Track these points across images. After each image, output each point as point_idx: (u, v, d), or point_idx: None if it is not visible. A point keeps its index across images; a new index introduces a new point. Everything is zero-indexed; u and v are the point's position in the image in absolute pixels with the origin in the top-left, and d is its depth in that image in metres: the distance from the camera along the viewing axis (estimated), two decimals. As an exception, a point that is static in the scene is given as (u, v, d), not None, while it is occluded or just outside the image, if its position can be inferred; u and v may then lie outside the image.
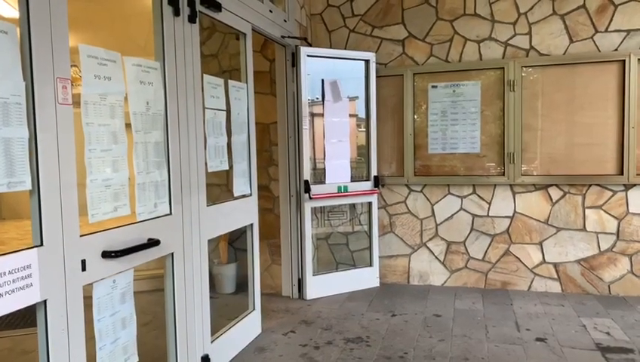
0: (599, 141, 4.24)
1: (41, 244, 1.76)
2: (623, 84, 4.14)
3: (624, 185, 4.22)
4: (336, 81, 4.55)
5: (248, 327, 3.53)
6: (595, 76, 4.22)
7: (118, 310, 2.18)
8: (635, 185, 4.20)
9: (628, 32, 4.15)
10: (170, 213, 2.56)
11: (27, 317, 3.79)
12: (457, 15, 4.53)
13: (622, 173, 4.17)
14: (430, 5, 4.58)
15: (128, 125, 2.22)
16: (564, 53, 4.29)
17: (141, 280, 4.06)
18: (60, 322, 1.84)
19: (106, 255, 2.05)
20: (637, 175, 4.15)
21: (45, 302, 1.78)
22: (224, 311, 3.92)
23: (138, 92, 2.32)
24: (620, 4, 4.15)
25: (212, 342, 3.01)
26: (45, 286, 1.77)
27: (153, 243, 2.32)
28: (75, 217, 1.90)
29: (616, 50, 4.17)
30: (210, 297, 2.98)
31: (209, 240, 2.96)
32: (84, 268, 1.94)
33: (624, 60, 4.12)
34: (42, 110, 1.75)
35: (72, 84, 1.92)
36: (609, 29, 4.19)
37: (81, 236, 1.93)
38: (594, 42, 4.23)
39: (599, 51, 4.21)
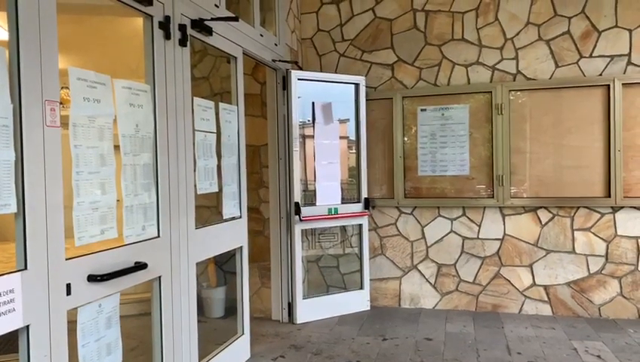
0: (587, 164, 4.29)
1: (25, 268, 1.73)
2: (608, 108, 4.21)
3: (612, 207, 4.26)
4: (329, 103, 4.59)
5: (237, 352, 3.47)
6: (581, 100, 4.30)
7: (104, 335, 2.13)
8: (622, 207, 4.24)
9: (612, 57, 4.24)
10: (159, 236, 2.54)
11: (9, 343, 3.70)
12: (445, 40, 4.61)
13: (609, 196, 4.21)
14: (419, 30, 4.66)
15: (117, 147, 2.21)
16: (551, 78, 4.37)
17: (128, 304, 3.99)
18: (43, 348, 1.80)
19: (92, 279, 2.01)
20: (624, 197, 4.19)
21: (28, 327, 1.74)
22: (212, 336, 3.85)
23: (128, 114, 2.32)
24: (603, 31, 4.25)
25: (200, 367, 2.95)
26: (28, 311, 1.73)
27: (140, 266, 2.29)
28: (60, 240, 1.87)
29: (600, 75, 4.26)
30: (199, 321, 2.94)
31: (197, 263, 2.92)
32: (69, 292, 1.91)
33: (608, 85, 4.20)
34: (30, 132, 1.74)
35: (62, 106, 1.92)
36: (593, 55, 4.28)
37: (66, 259, 1.90)
38: (579, 67, 4.31)
39: (584, 76, 4.30)
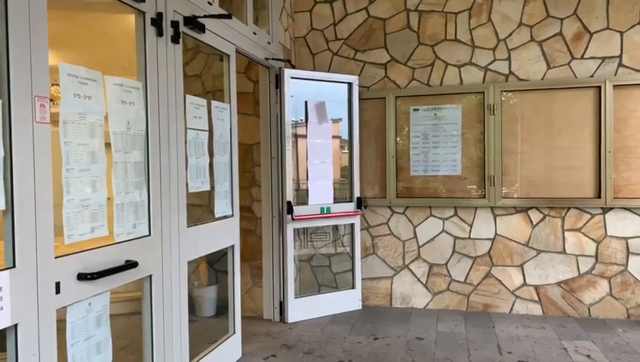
0: (577, 165, 4.32)
1: (14, 266, 1.71)
2: (599, 109, 4.24)
3: (602, 208, 4.29)
4: (323, 102, 4.58)
5: (228, 351, 3.46)
6: (572, 101, 4.32)
7: (93, 334, 2.11)
8: (612, 208, 4.27)
9: (603, 59, 4.27)
10: (150, 234, 2.52)
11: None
12: (438, 40, 4.62)
13: (599, 197, 4.24)
14: (412, 30, 4.67)
15: (108, 145, 2.19)
16: (542, 79, 4.40)
17: (118, 303, 3.96)
18: (31, 347, 1.78)
19: (82, 277, 1.99)
20: (614, 198, 4.22)
21: (16, 326, 1.72)
22: (204, 335, 3.84)
23: (119, 111, 2.30)
24: (595, 33, 4.28)
25: (190, 366, 2.94)
26: (17, 310, 1.71)
27: (131, 265, 2.27)
28: (50, 238, 1.85)
29: (591, 76, 4.29)
30: (190, 320, 2.92)
31: (189, 262, 2.91)
32: (58, 291, 1.89)
33: (600, 86, 4.22)
34: (19, 129, 1.72)
35: (52, 103, 1.89)
36: (585, 56, 4.31)
37: (56, 257, 1.88)
38: (571, 68, 4.34)
39: (576, 77, 4.32)
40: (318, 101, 4.59)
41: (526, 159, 4.43)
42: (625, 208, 4.25)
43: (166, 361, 2.65)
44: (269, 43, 4.21)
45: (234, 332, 3.56)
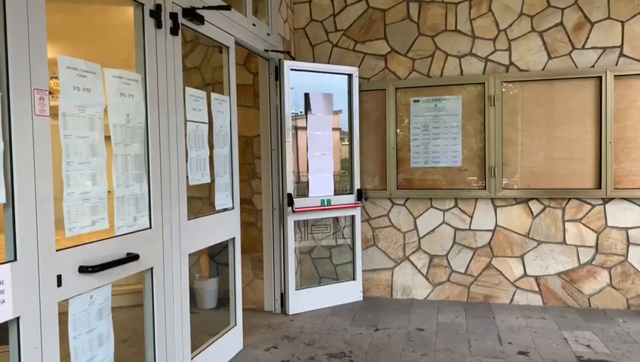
0: (578, 156, 4.32)
1: (15, 259, 1.71)
2: (600, 99, 4.23)
3: (602, 198, 4.29)
4: (323, 94, 4.57)
5: (229, 343, 3.47)
6: (573, 92, 4.31)
7: (95, 327, 2.12)
8: (612, 198, 4.27)
9: (604, 49, 4.25)
10: (150, 227, 2.52)
11: None
12: (438, 31, 4.59)
13: (600, 187, 4.24)
14: (412, 21, 4.65)
15: (108, 137, 2.19)
16: (543, 69, 4.38)
17: (120, 296, 3.97)
18: (34, 340, 1.78)
19: (83, 270, 2.00)
20: (614, 189, 4.22)
21: (18, 319, 1.73)
22: (205, 327, 3.85)
23: (118, 104, 2.29)
24: (596, 22, 4.25)
25: (192, 358, 2.95)
26: (18, 303, 1.72)
27: (132, 257, 2.28)
28: (51, 231, 1.85)
29: (592, 66, 4.27)
30: (191, 312, 2.93)
31: (190, 255, 2.91)
32: (59, 284, 1.89)
33: (601, 77, 4.21)
34: (18, 122, 1.72)
35: (52, 96, 1.89)
36: (586, 46, 4.29)
37: (57, 251, 1.88)
38: (571, 59, 4.32)
39: (577, 68, 4.30)
40: (319, 93, 4.57)
41: (526, 150, 4.42)
42: (625, 198, 4.25)
43: (167, 353, 2.66)
44: (268, 34, 4.19)
45: (235, 324, 3.57)
